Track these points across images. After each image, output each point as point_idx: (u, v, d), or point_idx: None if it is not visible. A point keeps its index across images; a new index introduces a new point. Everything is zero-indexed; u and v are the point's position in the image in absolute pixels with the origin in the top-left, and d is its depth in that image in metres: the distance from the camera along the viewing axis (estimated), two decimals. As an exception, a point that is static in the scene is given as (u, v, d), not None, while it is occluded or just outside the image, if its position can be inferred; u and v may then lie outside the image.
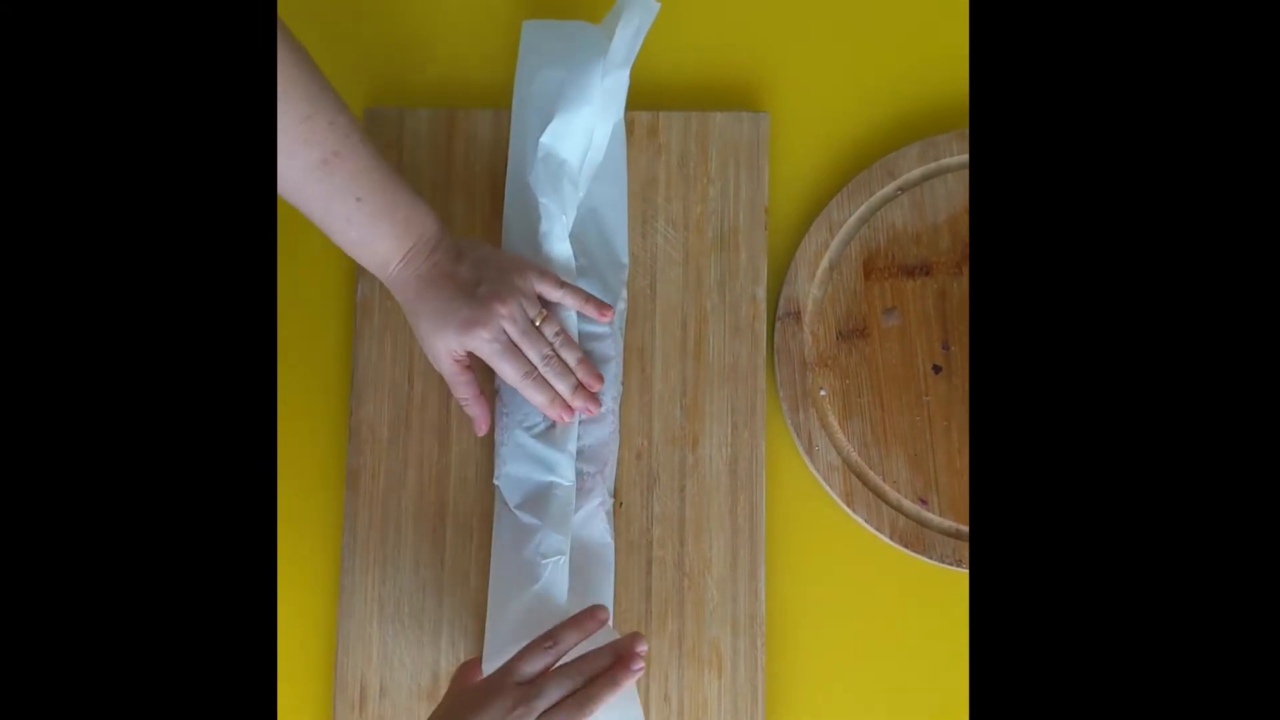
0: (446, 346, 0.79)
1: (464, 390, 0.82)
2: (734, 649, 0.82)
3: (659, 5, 0.84)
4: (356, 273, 0.87)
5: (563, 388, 0.81)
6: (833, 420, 0.85)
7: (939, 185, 0.88)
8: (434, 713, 0.71)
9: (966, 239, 0.87)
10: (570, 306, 0.83)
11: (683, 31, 0.91)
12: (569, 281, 0.83)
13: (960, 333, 0.86)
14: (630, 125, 0.89)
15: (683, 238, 0.88)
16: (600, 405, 0.82)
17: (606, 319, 0.83)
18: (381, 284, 0.81)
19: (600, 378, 0.82)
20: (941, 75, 0.90)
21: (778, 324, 0.86)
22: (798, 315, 0.86)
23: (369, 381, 0.86)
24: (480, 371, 0.82)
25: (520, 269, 0.81)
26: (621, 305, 0.86)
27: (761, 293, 0.87)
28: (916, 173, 0.88)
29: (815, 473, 0.84)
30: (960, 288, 0.86)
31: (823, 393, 0.85)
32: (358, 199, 0.76)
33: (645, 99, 0.89)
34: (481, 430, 0.83)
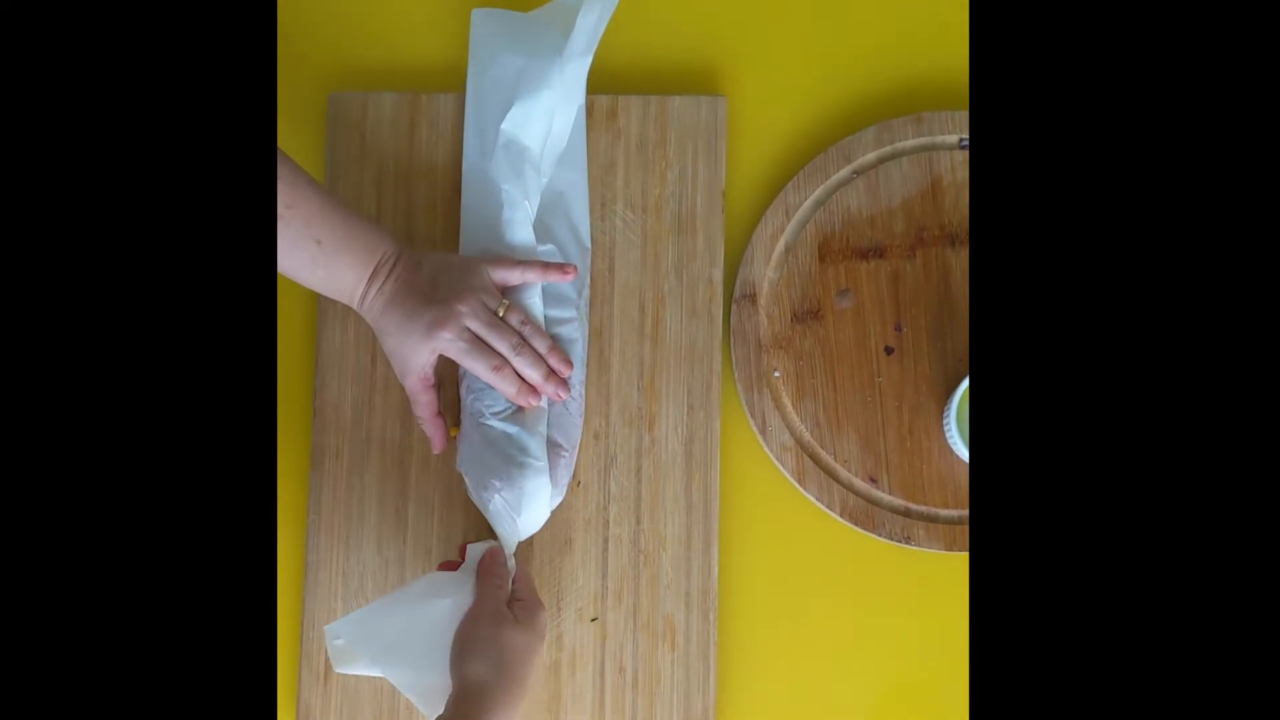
0: (417, 360, 0.80)
1: (423, 409, 0.83)
2: (687, 623, 0.84)
3: None
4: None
5: (534, 376, 0.81)
6: (786, 401, 0.87)
7: (894, 169, 0.89)
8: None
9: (921, 222, 0.88)
10: (534, 280, 0.84)
11: (642, 16, 0.91)
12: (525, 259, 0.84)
13: (912, 314, 0.87)
14: (589, 109, 0.90)
15: (641, 221, 0.89)
16: (570, 391, 0.84)
17: (571, 276, 0.85)
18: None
19: (570, 363, 0.83)
20: (897, 60, 0.91)
21: (734, 306, 0.88)
22: (753, 297, 0.88)
23: (332, 364, 0.88)
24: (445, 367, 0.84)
25: (473, 265, 0.82)
26: (586, 290, 0.88)
27: (718, 275, 0.88)
28: (871, 156, 0.89)
29: (769, 452, 0.86)
30: (913, 270, 0.88)
31: (777, 374, 0.87)
32: (318, 241, 0.78)
33: (604, 83, 0.90)
34: (438, 449, 0.85)
